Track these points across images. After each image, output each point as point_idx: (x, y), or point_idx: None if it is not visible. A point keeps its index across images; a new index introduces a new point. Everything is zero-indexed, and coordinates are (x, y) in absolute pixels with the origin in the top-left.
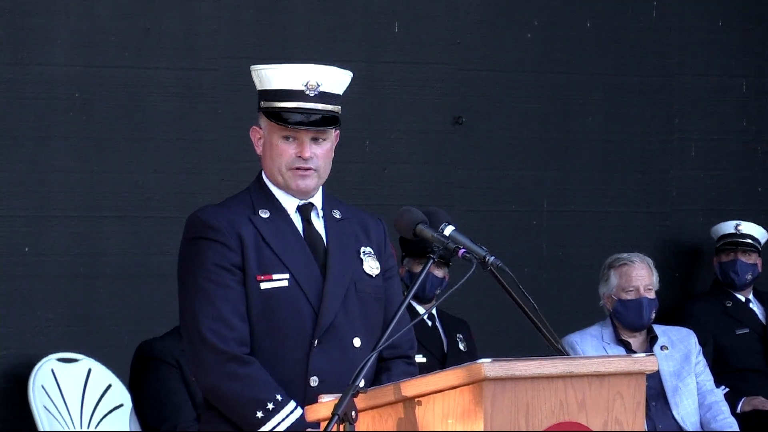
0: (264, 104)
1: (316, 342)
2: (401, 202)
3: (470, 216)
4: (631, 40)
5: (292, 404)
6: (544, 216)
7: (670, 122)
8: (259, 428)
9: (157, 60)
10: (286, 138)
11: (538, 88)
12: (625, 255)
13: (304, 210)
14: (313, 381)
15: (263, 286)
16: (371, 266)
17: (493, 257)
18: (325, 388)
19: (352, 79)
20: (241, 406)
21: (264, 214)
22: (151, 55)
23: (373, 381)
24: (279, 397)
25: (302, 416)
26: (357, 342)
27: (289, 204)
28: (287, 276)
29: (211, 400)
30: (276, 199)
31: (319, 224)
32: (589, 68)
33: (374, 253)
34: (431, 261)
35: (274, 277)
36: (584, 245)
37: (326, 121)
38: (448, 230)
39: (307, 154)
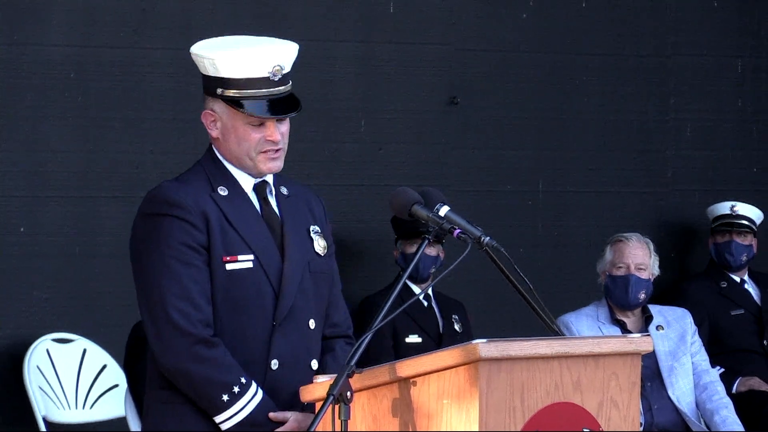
0: (223, 92)
1: (276, 324)
2: (396, 182)
3: (466, 196)
4: (626, 19)
5: (254, 386)
6: (540, 196)
7: (666, 102)
8: (224, 410)
9: (153, 40)
10: (252, 124)
11: (533, 68)
12: (625, 234)
13: (260, 188)
14: (274, 364)
15: (228, 267)
16: (320, 245)
17: (488, 237)
18: (284, 371)
19: (348, 59)
20: (207, 389)
21: (222, 191)
22: (147, 35)
23: (320, 362)
24: (243, 380)
25: (264, 398)
26: (312, 323)
27: (246, 182)
28: (251, 257)
29: (175, 382)
30: (232, 176)
31: (273, 202)
32: (584, 48)
33: (320, 231)
34: (426, 242)
35: (239, 258)
36: (580, 225)
37: (291, 102)
38: (444, 210)
39: (278, 138)
